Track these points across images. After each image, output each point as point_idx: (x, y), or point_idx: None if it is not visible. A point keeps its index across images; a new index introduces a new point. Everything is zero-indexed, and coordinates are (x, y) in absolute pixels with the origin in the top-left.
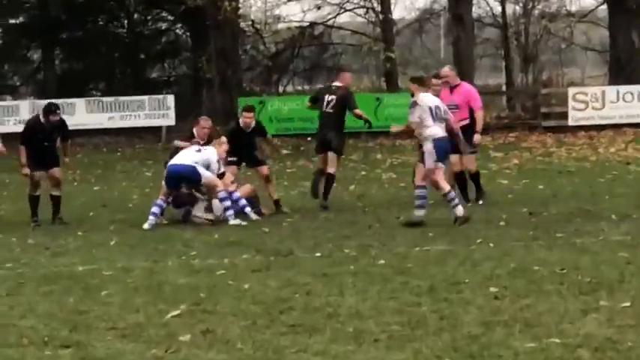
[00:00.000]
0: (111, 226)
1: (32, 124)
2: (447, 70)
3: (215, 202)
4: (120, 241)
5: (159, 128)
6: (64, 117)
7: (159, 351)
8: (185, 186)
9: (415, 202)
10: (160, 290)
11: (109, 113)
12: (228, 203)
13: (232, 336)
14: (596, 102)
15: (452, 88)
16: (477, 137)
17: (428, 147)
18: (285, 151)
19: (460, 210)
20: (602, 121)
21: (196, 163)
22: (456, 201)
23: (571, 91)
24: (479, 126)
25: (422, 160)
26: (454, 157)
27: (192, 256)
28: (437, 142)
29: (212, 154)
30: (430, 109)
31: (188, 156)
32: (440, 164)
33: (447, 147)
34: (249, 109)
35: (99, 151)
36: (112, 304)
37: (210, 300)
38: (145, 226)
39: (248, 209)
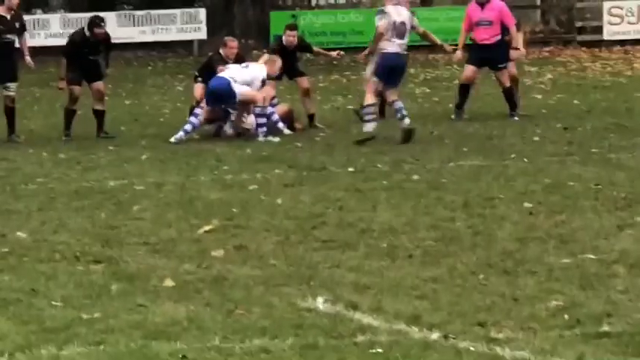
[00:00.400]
0: (142, 140)
1: (77, 38)
2: None
3: (250, 117)
4: (151, 155)
5: (190, 42)
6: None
7: (191, 266)
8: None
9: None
10: (192, 205)
11: (140, 27)
12: (263, 120)
13: (265, 251)
14: (631, 16)
15: (482, 4)
16: (517, 53)
17: (376, 58)
18: (331, 59)
19: (369, 126)
20: (638, 35)
21: (234, 79)
22: (369, 117)
23: (606, 5)
24: (516, 42)
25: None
26: (469, 68)
27: (225, 171)
28: (384, 55)
29: (259, 71)
30: (394, 22)
31: (230, 72)
32: (375, 78)
33: (392, 64)
34: (292, 27)
35: (130, 65)
36: (144, 219)
37: (242, 215)
38: (172, 140)
39: (281, 124)
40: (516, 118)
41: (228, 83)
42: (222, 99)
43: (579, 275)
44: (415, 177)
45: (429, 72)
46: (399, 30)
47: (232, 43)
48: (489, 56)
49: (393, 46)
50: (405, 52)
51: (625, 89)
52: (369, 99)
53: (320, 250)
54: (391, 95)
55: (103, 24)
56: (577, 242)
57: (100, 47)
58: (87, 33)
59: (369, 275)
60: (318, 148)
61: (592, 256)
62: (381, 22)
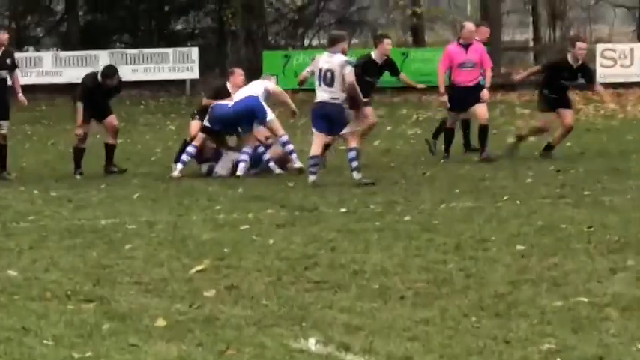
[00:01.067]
0: (134, 179)
1: (89, 84)
2: (472, 26)
3: (241, 165)
4: (143, 194)
5: (183, 81)
6: (88, 69)
7: (183, 306)
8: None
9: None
10: (183, 245)
11: (132, 66)
12: (245, 157)
13: (257, 292)
14: (624, 59)
15: (467, 47)
16: (485, 93)
17: None
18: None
19: (311, 179)
20: (631, 78)
21: (258, 94)
22: (313, 169)
23: (599, 47)
24: (488, 82)
25: None
26: (456, 115)
27: (217, 210)
28: (314, 105)
29: (259, 83)
30: (320, 70)
31: (243, 92)
32: (313, 129)
33: (319, 113)
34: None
35: (122, 103)
36: (136, 258)
37: (234, 255)
38: (174, 174)
39: (272, 164)
40: (491, 156)
41: (257, 98)
42: (253, 115)
43: (571, 318)
44: (407, 218)
45: (421, 113)
46: (325, 78)
47: (240, 71)
48: (471, 98)
49: (321, 94)
50: (335, 101)
51: (617, 132)
52: (313, 150)
53: (312, 290)
54: (350, 142)
55: (115, 76)
56: (569, 285)
57: (112, 92)
58: (99, 79)
59: (361, 316)
60: (309, 188)
61: (584, 299)
62: (308, 68)
